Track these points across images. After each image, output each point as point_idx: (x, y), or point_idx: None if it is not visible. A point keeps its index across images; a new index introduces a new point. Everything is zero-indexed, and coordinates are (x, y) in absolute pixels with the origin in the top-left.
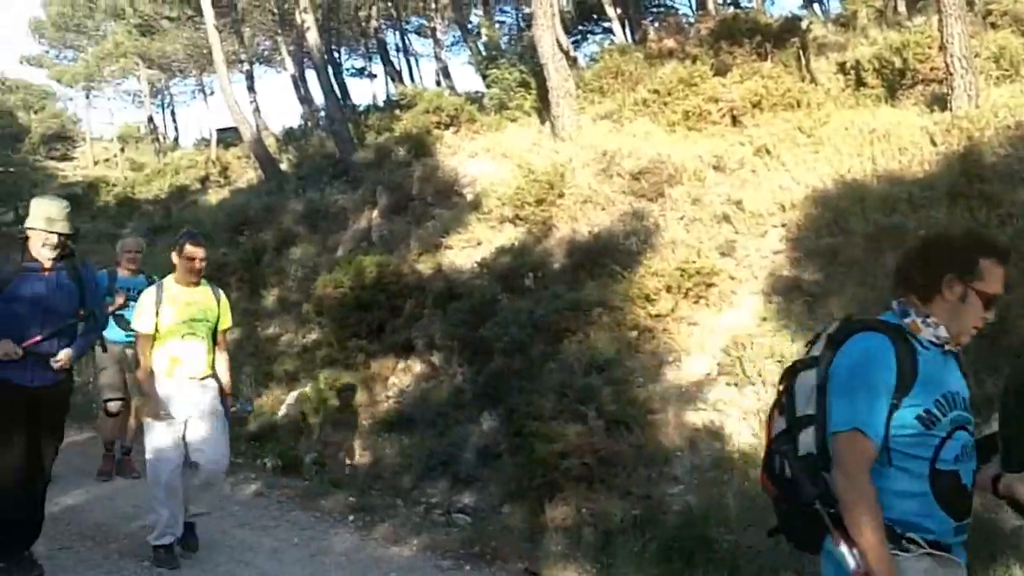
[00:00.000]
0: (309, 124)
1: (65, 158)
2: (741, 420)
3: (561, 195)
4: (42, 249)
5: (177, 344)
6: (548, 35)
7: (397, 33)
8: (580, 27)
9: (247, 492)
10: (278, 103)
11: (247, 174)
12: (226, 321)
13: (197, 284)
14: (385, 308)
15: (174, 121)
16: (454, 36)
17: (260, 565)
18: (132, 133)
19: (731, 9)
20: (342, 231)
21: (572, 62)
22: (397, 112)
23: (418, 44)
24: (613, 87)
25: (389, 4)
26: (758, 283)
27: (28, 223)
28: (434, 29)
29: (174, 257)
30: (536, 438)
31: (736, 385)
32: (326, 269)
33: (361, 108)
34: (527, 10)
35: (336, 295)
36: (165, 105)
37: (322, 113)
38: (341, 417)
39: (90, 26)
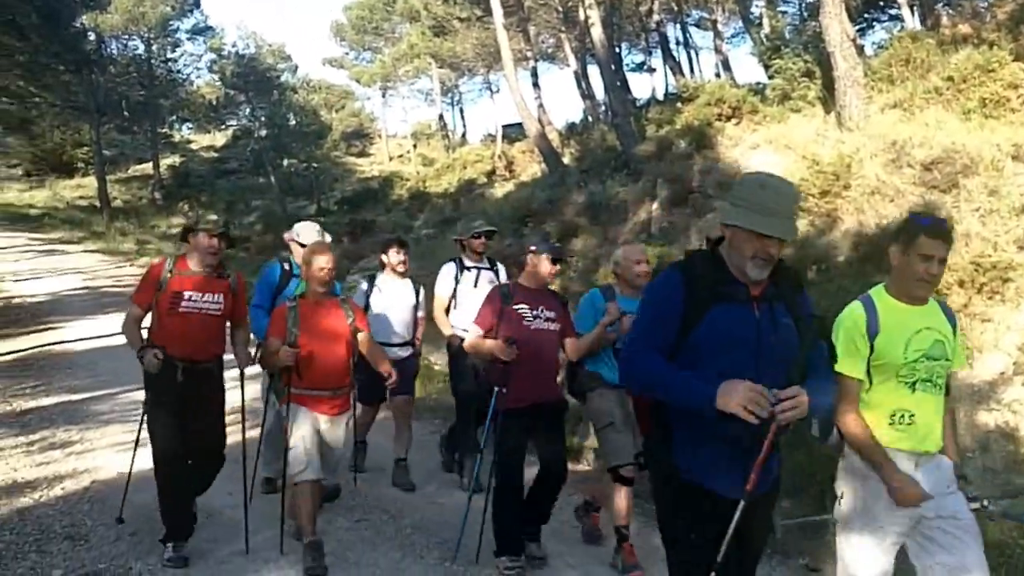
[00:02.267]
0: (591, 118)
1: (363, 154)
2: None
3: (847, 187)
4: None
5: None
6: (835, 22)
7: (677, 26)
8: (865, 15)
9: None
10: (560, 98)
11: (531, 168)
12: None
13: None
14: None
15: (462, 118)
16: (735, 28)
17: None
18: (424, 130)
19: None
20: (622, 223)
21: (858, 50)
22: (678, 105)
23: (698, 37)
24: (903, 75)
25: None
26: None
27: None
28: (715, 21)
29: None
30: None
31: None
32: (607, 260)
33: (641, 102)
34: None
35: None
36: (454, 103)
37: (603, 108)
38: None
39: (387, 28)
